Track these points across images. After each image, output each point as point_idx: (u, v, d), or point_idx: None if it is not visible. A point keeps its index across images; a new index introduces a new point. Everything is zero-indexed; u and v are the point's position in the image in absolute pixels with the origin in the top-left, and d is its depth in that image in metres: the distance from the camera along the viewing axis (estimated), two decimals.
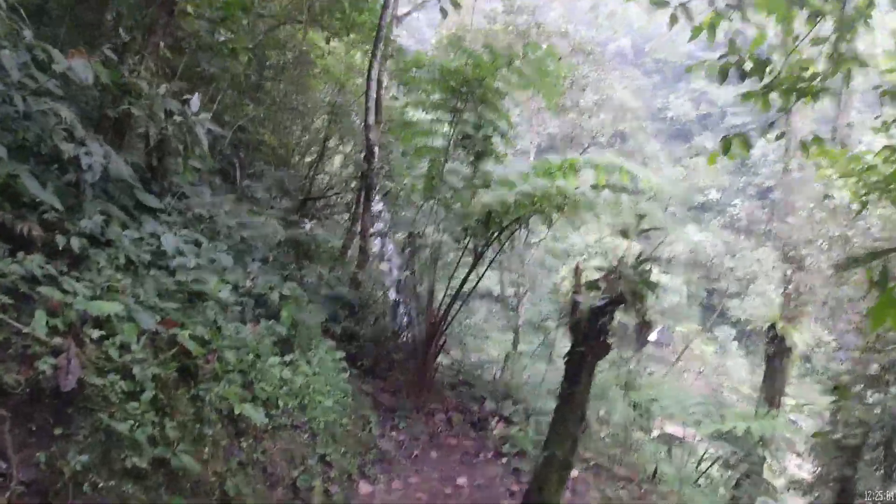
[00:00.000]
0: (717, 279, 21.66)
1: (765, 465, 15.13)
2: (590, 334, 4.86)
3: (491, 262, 11.86)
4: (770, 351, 15.61)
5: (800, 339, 15.37)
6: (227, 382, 4.86)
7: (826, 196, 14.78)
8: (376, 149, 9.86)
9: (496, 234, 9.54)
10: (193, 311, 5.08)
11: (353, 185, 11.49)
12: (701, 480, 13.40)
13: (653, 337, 20.86)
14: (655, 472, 9.48)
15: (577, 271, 5.16)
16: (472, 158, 9.16)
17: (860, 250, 12.21)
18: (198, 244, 6.20)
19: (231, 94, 9.71)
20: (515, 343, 18.58)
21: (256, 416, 4.79)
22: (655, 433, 13.35)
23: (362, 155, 10.50)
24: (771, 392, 15.39)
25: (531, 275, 14.80)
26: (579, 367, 4.85)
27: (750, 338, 25.88)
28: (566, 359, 5.02)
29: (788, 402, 16.38)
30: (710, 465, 13.69)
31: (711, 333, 20.86)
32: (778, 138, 5.51)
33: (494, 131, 9.11)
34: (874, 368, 11.29)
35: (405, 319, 11.11)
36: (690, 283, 21.78)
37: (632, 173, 8.71)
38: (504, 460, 8.50)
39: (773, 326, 15.66)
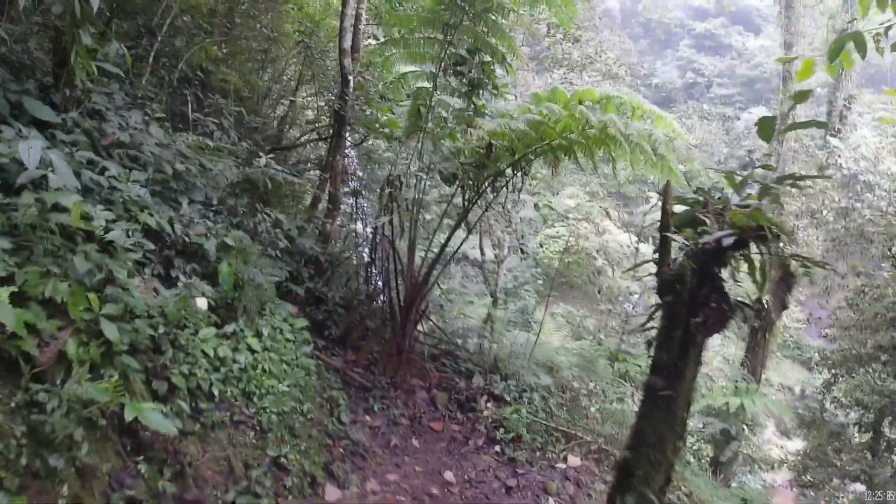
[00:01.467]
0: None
1: (746, 440, 14.27)
2: (699, 296, 3.18)
3: (480, 218, 10.19)
4: (756, 324, 14.44)
5: (786, 313, 14.26)
6: (105, 373, 3.04)
7: (823, 168, 13.54)
8: (351, 78, 7.92)
9: (491, 180, 7.79)
10: (50, 259, 3.18)
11: (325, 126, 9.49)
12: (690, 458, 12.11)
13: (628, 306, 19.60)
14: None
15: (666, 193, 3.44)
16: (465, 89, 7.31)
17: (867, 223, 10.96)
18: (101, 171, 4.28)
19: (191, 27, 7.62)
20: (492, 310, 17.04)
21: (162, 423, 3.00)
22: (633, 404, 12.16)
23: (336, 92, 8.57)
24: (753, 364, 14.29)
25: (518, 235, 13.14)
26: (683, 351, 3.19)
27: None
28: (658, 340, 3.34)
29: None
30: (696, 441, 12.53)
31: None
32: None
33: (494, 57, 7.25)
34: (869, 346, 10.20)
35: (380, 280, 9.35)
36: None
37: (653, 113, 7.01)
38: (497, 448, 6.93)
39: (759, 300, 14.45)
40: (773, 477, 14.37)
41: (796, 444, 13.84)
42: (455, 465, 6.42)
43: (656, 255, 3.42)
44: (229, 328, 4.77)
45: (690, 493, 7.37)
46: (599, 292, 14.72)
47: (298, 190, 7.05)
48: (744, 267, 3.27)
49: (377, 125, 8.04)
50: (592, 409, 10.42)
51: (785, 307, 3.71)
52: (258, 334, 4.96)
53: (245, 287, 4.82)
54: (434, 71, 7.11)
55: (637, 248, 15.06)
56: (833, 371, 10.75)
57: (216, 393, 4.28)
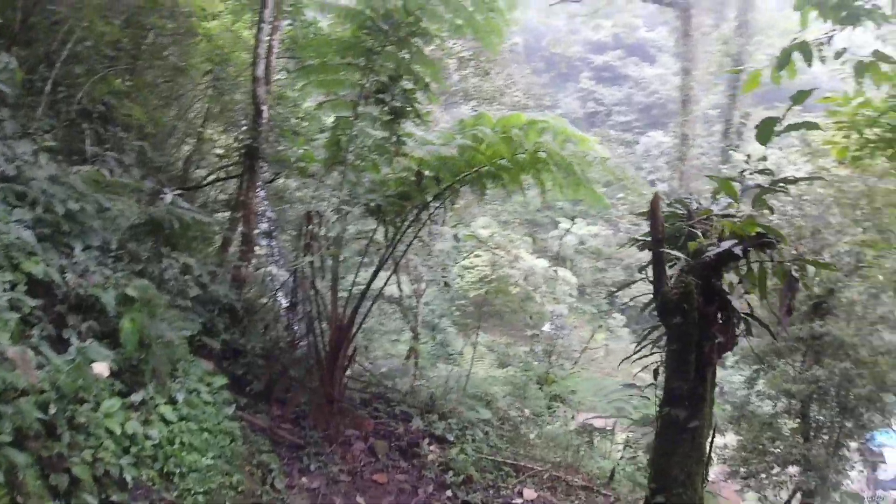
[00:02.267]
0: (605, 270, 21.22)
1: None
2: (709, 314, 2.92)
3: (403, 254, 9.77)
4: None
5: None
6: None
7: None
8: (265, 108, 7.31)
9: (417, 213, 7.42)
10: None
11: (234, 164, 8.72)
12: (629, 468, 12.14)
13: (546, 327, 19.83)
14: (613, 473, 7.90)
15: (655, 205, 3.20)
16: (387, 117, 6.95)
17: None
18: None
19: (92, 54, 6.75)
20: (415, 346, 16.50)
21: None
22: (573, 425, 12.12)
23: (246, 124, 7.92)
24: None
25: (439, 266, 12.85)
26: (700, 377, 2.91)
27: (639, 323, 26.07)
28: (669, 366, 3.04)
29: None
30: (627, 450, 12.65)
31: (602, 322, 20.29)
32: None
33: (416, 84, 6.97)
34: (788, 340, 10.81)
35: (301, 326, 8.61)
36: (581, 275, 21.20)
37: (576, 136, 6.99)
38: (449, 493, 6.40)
39: (788, 309, 15.07)
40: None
41: (721, 440, 14.33)
42: None
43: (642, 275, 3.18)
44: (137, 397, 4.00)
45: None
46: (531, 318, 14.69)
47: (208, 231, 6.29)
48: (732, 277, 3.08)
49: (292, 160, 7.45)
50: (532, 436, 10.16)
51: (791, 312, 3.62)
52: (172, 401, 4.20)
53: (152, 346, 4.07)
54: (354, 99, 6.69)
55: (556, 272, 15.28)
56: (754, 367, 11.22)
57: (129, 479, 3.51)
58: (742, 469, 10.51)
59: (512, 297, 15.42)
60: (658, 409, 3.39)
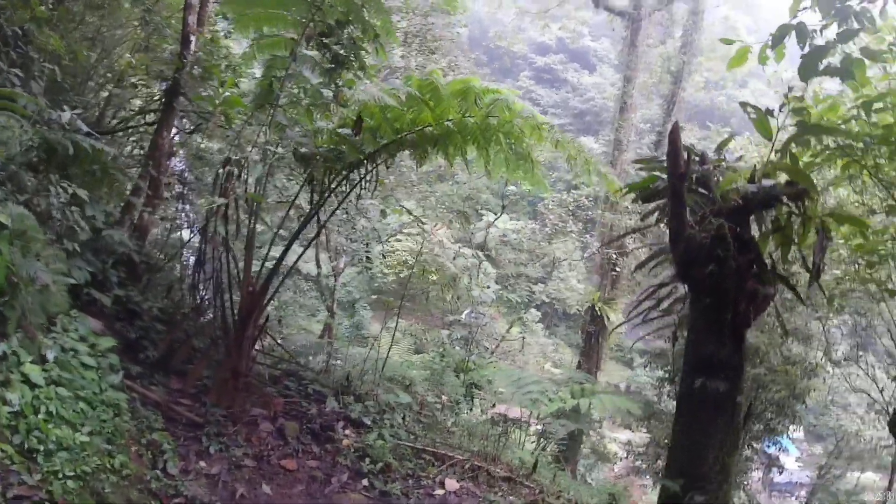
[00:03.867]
0: (524, 265, 21.35)
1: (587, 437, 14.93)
2: (743, 265, 2.49)
3: (326, 221, 9.02)
4: (590, 329, 15.31)
5: (615, 317, 15.30)
6: None
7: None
8: (193, 39, 6.32)
9: (347, 174, 6.73)
10: None
11: (155, 109, 7.59)
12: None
13: (462, 317, 19.70)
14: (536, 465, 7.64)
15: (674, 133, 2.75)
16: (328, 65, 6.22)
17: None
18: None
19: None
20: (330, 325, 15.71)
21: None
22: (490, 414, 11.95)
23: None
24: (588, 366, 15.07)
25: (362, 243, 12.16)
26: (737, 341, 2.46)
27: (552, 320, 26.55)
28: (697, 328, 2.59)
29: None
30: (542, 442, 12.67)
31: (518, 316, 20.43)
32: None
33: (365, 34, 6.29)
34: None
35: (209, 290, 7.70)
36: (503, 267, 21.20)
37: (527, 113, 6.55)
38: (365, 482, 5.83)
39: (592, 307, 15.38)
40: (611, 467, 15.19)
41: (626, 436, 14.77)
42: None
43: (648, 219, 2.75)
44: None
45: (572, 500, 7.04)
46: (457, 300, 14.32)
47: (111, 168, 5.25)
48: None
49: (216, 102, 6.52)
50: (449, 423, 9.79)
51: (820, 273, 3.30)
52: (41, 359, 3.34)
53: (21, 288, 3.20)
54: (295, 38, 5.89)
55: (480, 261, 15.02)
56: (667, 367, 11.51)
57: None
58: (657, 463, 10.75)
59: (434, 281, 15.01)
60: (681, 381, 2.97)
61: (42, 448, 3.06)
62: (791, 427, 11.10)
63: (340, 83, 6.13)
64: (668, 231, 2.90)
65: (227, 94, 6.73)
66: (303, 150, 5.72)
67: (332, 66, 6.24)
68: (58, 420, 3.22)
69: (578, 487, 8.32)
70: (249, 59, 6.39)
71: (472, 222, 20.21)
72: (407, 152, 7.41)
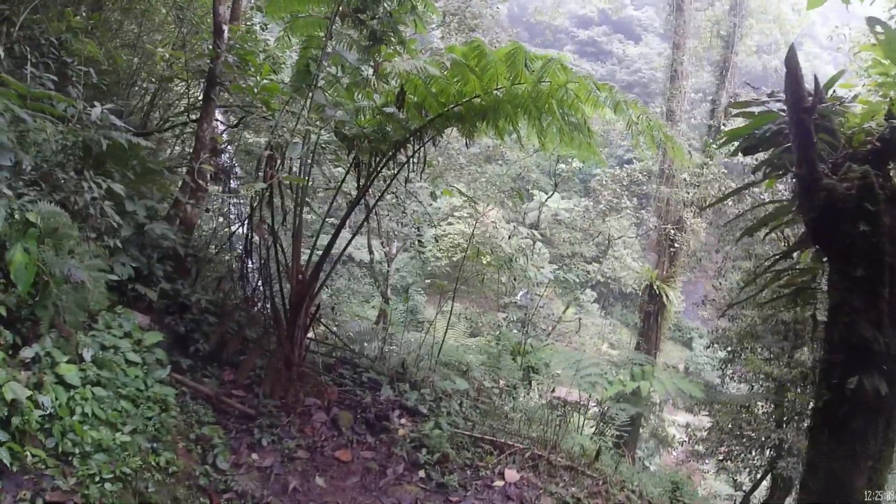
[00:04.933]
0: (579, 243, 20.60)
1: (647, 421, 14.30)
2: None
3: (373, 207, 8.76)
4: (649, 308, 14.56)
5: (675, 296, 14.50)
6: None
7: (704, 165, 13.92)
8: (226, 28, 6.13)
9: (391, 154, 6.40)
10: None
11: (195, 107, 7.52)
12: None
13: (517, 298, 19.25)
14: (599, 453, 7.20)
15: (791, 58, 2.26)
16: (365, 42, 5.88)
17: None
18: None
19: None
20: (385, 310, 15.60)
21: None
22: (545, 399, 11.54)
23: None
24: (647, 347, 14.37)
25: (413, 226, 11.89)
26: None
27: (608, 300, 25.71)
28: (844, 303, 2.12)
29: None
30: (602, 427, 12.17)
31: (574, 297, 19.74)
32: None
33: (402, 6, 5.90)
34: (770, 322, 10.33)
35: (259, 279, 7.60)
36: (558, 246, 20.56)
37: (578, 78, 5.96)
38: (422, 474, 5.57)
39: (650, 286, 14.62)
40: (669, 451, 14.55)
41: (686, 419, 14.06)
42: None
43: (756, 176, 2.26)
44: (28, 352, 2.98)
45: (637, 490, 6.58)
46: (514, 281, 13.93)
47: (152, 164, 5.13)
48: None
49: (254, 90, 6.31)
50: (507, 409, 9.45)
51: None
52: (78, 359, 3.19)
53: (52, 286, 3.04)
54: (329, 16, 5.58)
55: (535, 241, 14.51)
56: (729, 348, 10.76)
57: (5, 460, 2.53)
58: (722, 449, 10.06)
59: (489, 263, 14.62)
60: (822, 379, 2.44)
61: (77, 451, 2.91)
62: None
63: (379, 57, 5.78)
64: (796, 181, 2.35)
65: (264, 81, 6.51)
66: (345, 129, 5.41)
67: (370, 42, 5.90)
68: (94, 421, 3.06)
69: (641, 476, 7.82)
70: (284, 43, 6.11)
71: (525, 201, 19.57)
72: (455, 130, 7.03)
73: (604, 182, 15.97)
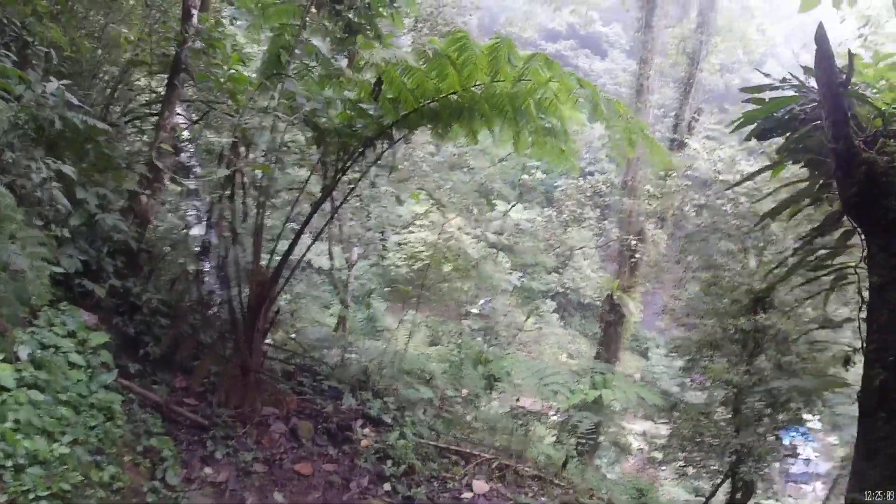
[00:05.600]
0: (542, 252, 20.67)
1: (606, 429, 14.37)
2: None
3: (339, 207, 8.46)
4: (610, 318, 14.65)
5: (635, 306, 14.65)
6: None
7: (666, 175, 14.18)
8: (195, 13, 5.75)
9: (361, 152, 6.13)
10: None
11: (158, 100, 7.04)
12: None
13: (475, 309, 19.17)
14: (566, 463, 7.07)
15: (820, 33, 2.12)
16: (340, 33, 5.63)
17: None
18: None
19: None
20: (345, 317, 15.17)
21: None
22: (507, 408, 11.42)
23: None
24: (607, 356, 14.44)
25: (378, 230, 11.59)
26: None
27: (567, 310, 25.86)
28: (882, 290, 1.96)
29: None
30: (564, 436, 12.12)
31: (532, 306, 19.73)
32: None
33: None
34: (727, 331, 10.53)
35: (216, 282, 7.17)
36: (521, 256, 20.55)
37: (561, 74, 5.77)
38: (388, 487, 5.28)
39: (611, 296, 14.73)
40: (630, 460, 14.63)
41: (643, 426, 14.18)
42: None
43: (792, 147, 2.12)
44: None
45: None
46: (477, 288, 13.76)
47: (114, 159, 4.68)
48: None
49: (221, 80, 5.93)
50: (468, 418, 9.24)
51: None
52: (13, 358, 2.80)
53: None
54: (304, 3, 5.29)
55: (498, 249, 14.42)
56: (688, 357, 10.89)
57: None
58: (682, 455, 10.13)
59: (452, 270, 14.44)
60: (875, 357, 2.27)
61: (10, 464, 2.53)
62: (814, 416, 10.47)
63: (355, 46, 5.52)
64: (833, 158, 2.23)
65: (231, 71, 6.15)
66: (316, 118, 5.12)
67: (346, 34, 5.66)
68: (29, 429, 2.68)
69: (607, 484, 7.75)
70: (256, 27, 5.78)
71: (493, 207, 19.63)
72: (421, 136, 6.85)
73: (568, 192, 16.06)
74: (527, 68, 4.81)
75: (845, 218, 2.61)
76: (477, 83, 5.07)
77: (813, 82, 2.46)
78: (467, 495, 5.47)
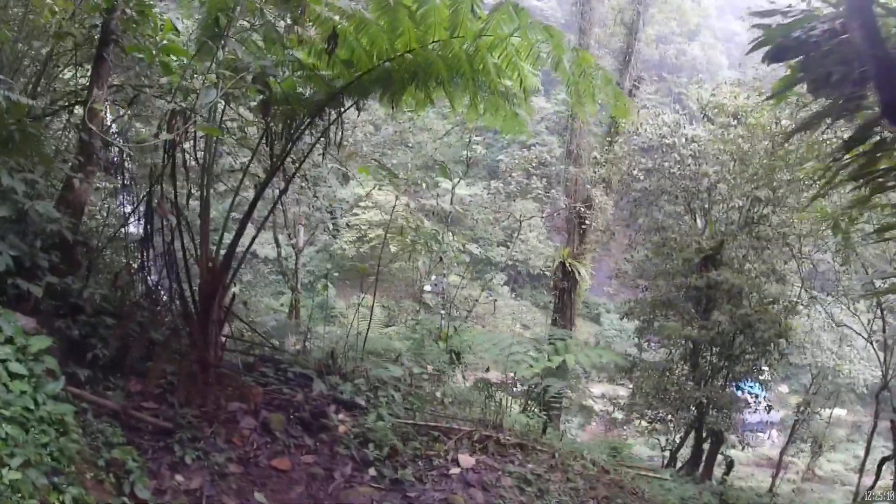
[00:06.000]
0: (492, 224, 20.70)
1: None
2: None
3: (285, 190, 8.00)
4: (563, 286, 14.82)
5: (586, 273, 14.90)
6: None
7: (611, 141, 14.36)
8: None
9: (309, 122, 5.72)
10: None
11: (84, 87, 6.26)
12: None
13: (428, 287, 19.07)
14: (545, 428, 7.05)
15: None
16: None
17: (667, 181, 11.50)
18: None
19: None
20: (296, 304, 14.64)
21: None
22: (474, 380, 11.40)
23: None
24: (563, 323, 14.64)
25: (325, 210, 11.13)
26: None
27: (517, 282, 26.09)
28: None
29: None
30: (531, 403, 12.23)
31: (483, 280, 19.78)
32: None
33: None
34: (679, 290, 10.84)
35: (162, 271, 6.58)
36: (472, 229, 20.48)
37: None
38: (373, 472, 5.03)
39: (563, 264, 14.90)
40: (592, 422, 15.03)
41: (601, 389, 14.58)
42: None
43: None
44: None
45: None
46: (434, 261, 13.54)
47: (38, 140, 4.06)
48: None
49: (153, 52, 5.31)
50: (438, 394, 9.11)
51: None
52: None
53: None
54: None
55: (447, 225, 14.23)
56: (643, 317, 11.15)
57: None
58: (648, 412, 10.43)
59: (402, 249, 14.16)
60: None
61: None
62: (771, 367, 11.01)
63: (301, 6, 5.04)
64: (870, 64, 2.13)
65: (164, 41, 5.54)
66: (266, 78, 4.67)
67: None
68: None
69: (585, 446, 7.83)
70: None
71: (432, 187, 19.39)
72: (362, 112, 6.48)
73: (515, 163, 16.02)
74: (490, 21, 4.52)
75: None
76: (435, 39, 4.74)
77: (825, 8, 2.34)
78: (455, 470, 5.31)
